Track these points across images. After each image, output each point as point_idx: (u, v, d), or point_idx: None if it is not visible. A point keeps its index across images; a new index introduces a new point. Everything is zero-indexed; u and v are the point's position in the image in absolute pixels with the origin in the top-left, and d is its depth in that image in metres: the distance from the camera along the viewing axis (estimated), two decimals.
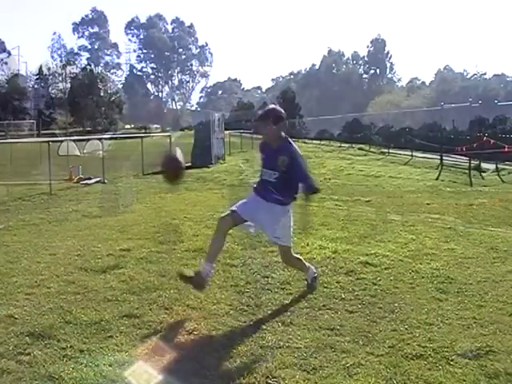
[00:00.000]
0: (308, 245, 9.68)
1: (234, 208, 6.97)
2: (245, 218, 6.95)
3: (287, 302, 6.90)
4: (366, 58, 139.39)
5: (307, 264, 7.55)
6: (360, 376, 4.82)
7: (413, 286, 7.44)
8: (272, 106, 7.28)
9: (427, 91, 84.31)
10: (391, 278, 7.79)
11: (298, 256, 7.58)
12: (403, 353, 5.28)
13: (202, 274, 6.71)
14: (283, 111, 7.03)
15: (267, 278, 7.78)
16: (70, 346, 5.55)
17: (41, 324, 6.13)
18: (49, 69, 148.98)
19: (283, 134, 6.95)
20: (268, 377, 4.83)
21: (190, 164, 26.85)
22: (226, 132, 38.16)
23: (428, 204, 14.35)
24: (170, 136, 31.44)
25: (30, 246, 9.99)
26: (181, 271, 7.08)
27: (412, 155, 33.82)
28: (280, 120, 6.91)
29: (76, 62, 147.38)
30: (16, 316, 6.43)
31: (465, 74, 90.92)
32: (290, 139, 7.01)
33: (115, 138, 43.96)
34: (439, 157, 28.12)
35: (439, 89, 75.87)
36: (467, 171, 23.41)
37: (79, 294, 7.22)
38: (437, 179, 21.35)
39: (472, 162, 24.55)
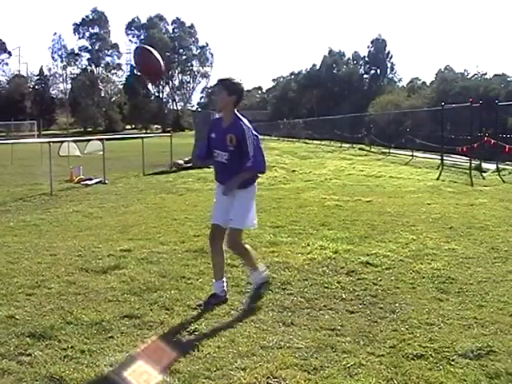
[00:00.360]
0: (309, 245, 9.69)
1: (212, 221, 7.06)
2: (221, 217, 6.93)
3: (288, 302, 6.89)
4: (366, 58, 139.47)
5: (259, 264, 7.31)
6: (361, 376, 4.81)
7: (414, 286, 7.43)
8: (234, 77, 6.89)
9: (428, 91, 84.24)
10: (392, 278, 7.79)
11: (248, 247, 7.25)
12: (404, 353, 5.27)
13: (217, 295, 6.89)
14: (243, 86, 6.83)
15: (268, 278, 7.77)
16: (71, 347, 5.55)
17: (42, 324, 6.13)
18: (49, 69, 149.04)
19: (236, 111, 6.79)
20: (269, 377, 4.82)
21: (191, 164, 26.86)
22: None
23: (429, 204, 14.33)
24: None
25: (31, 247, 10.00)
26: (200, 304, 6.81)
27: (413, 155, 33.75)
28: (236, 92, 6.71)
29: (77, 63, 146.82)
30: (17, 316, 6.44)
31: (465, 73, 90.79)
32: (241, 116, 6.79)
33: (116, 139, 43.91)
34: (440, 157, 28.09)
35: (440, 89, 75.76)
36: (468, 171, 23.39)
37: (80, 295, 7.23)
38: (437, 179, 21.31)
39: (473, 161, 24.52)
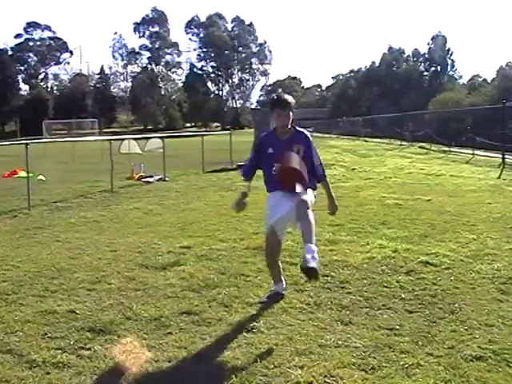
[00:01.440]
0: (368, 244, 9.65)
1: (268, 223, 6.73)
2: (281, 224, 6.63)
3: (346, 301, 6.87)
4: (426, 55, 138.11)
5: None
6: (419, 377, 4.78)
7: (473, 286, 7.34)
8: (281, 93, 7.11)
9: (489, 88, 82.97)
10: (451, 278, 7.70)
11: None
12: (463, 354, 5.21)
13: (277, 291, 6.93)
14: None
15: (327, 276, 7.75)
16: (130, 342, 5.62)
17: (101, 320, 6.23)
18: (110, 68, 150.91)
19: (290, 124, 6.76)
20: (326, 376, 4.82)
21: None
22: None
23: (489, 203, 14.14)
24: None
25: (92, 243, 10.15)
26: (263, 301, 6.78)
27: (473, 154, 33.29)
28: (293, 108, 6.75)
29: (137, 62, 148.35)
30: (77, 311, 6.55)
31: None
32: (296, 126, 6.81)
33: (176, 137, 44.20)
34: (501, 155, 27.69)
35: (501, 86, 74.51)
36: None
37: (139, 291, 7.32)
38: (499, 178, 20.98)
39: None
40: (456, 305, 6.63)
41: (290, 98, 6.72)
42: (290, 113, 6.63)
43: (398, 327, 5.96)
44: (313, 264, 5.77)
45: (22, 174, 20.27)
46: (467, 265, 8.32)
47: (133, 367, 5.05)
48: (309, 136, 6.76)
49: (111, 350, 5.43)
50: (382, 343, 5.51)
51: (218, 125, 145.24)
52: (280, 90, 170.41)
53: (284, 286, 7.04)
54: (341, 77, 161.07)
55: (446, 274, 7.91)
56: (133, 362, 5.15)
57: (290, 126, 6.69)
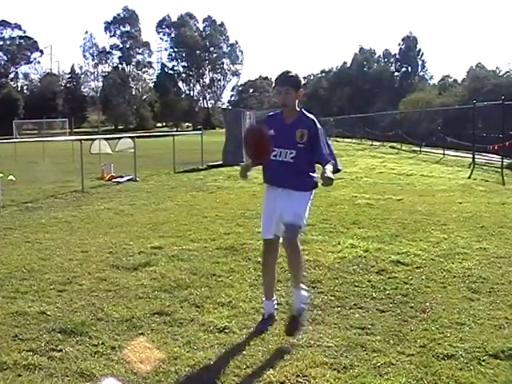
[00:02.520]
0: (339, 243, 9.67)
1: (263, 235, 6.30)
2: (276, 232, 6.13)
3: (318, 300, 6.88)
4: (397, 56, 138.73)
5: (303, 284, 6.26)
6: (391, 375, 4.80)
7: (444, 285, 7.39)
8: (287, 70, 6.21)
9: (459, 89, 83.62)
10: (423, 277, 7.75)
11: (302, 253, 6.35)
12: (434, 353, 5.25)
13: (272, 315, 6.33)
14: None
15: None
16: (102, 343, 5.60)
17: (73, 321, 6.19)
18: (81, 68, 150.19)
19: (298, 107, 6.19)
20: (299, 375, 4.83)
21: (221, 162, 26.93)
22: None
23: (460, 203, 14.24)
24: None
25: (63, 244, 10.09)
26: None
27: (444, 153, 33.53)
28: (301, 85, 6.23)
29: (108, 61, 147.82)
30: (48, 313, 6.50)
31: (497, 71, 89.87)
32: (304, 110, 6.20)
33: (147, 137, 44.10)
34: (471, 155, 27.92)
35: (471, 86, 75.12)
36: (500, 170, 23.23)
37: (111, 292, 7.28)
38: (469, 178, 21.16)
39: (504, 160, 24.34)
40: (427, 304, 6.67)
41: (292, 74, 6.12)
42: (293, 91, 6.04)
43: (369, 326, 5.98)
44: (301, 322, 5.72)
45: None
46: (438, 264, 8.38)
47: (105, 369, 5.02)
48: (317, 123, 6.11)
49: (83, 352, 5.40)
50: (354, 342, 5.52)
51: (190, 125, 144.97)
52: (251, 91, 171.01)
53: (274, 303, 6.47)
54: (312, 77, 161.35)
55: (417, 273, 7.96)
56: (105, 364, 5.13)
57: (297, 108, 6.14)
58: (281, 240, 6.13)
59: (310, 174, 6.05)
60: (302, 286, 6.03)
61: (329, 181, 5.60)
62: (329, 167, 5.76)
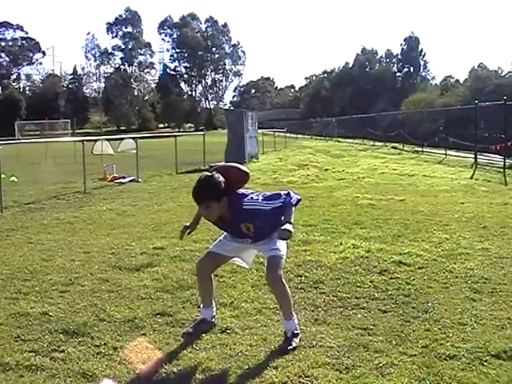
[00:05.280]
0: (341, 244, 9.67)
1: (210, 249, 6.21)
2: (225, 254, 6.09)
3: (320, 301, 6.88)
4: (399, 56, 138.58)
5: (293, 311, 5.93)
6: (393, 376, 4.80)
7: (446, 285, 7.38)
8: (204, 178, 5.60)
9: (461, 89, 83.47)
10: (425, 277, 7.74)
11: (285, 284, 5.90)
12: (436, 353, 5.24)
13: (206, 320, 6.13)
14: (219, 180, 5.52)
15: (300, 276, 7.77)
16: (104, 344, 5.61)
17: (75, 321, 6.20)
18: (83, 69, 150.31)
19: (226, 200, 5.57)
20: (301, 376, 4.83)
21: (223, 163, 26.94)
22: (260, 131, 38.09)
23: (462, 203, 14.23)
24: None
25: (65, 245, 10.10)
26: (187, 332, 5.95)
27: (446, 154, 33.49)
28: (222, 193, 5.51)
29: (110, 62, 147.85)
30: (50, 313, 6.51)
31: (499, 71, 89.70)
32: (234, 199, 5.61)
33: (149, 137, 44.10)
34: (473, 155, 27.89)
35: (473, 87, 74.96)
36: (502, 170, 23.19)
37: (113, 292, 7.29)
38: (471, 178, 21.13)
39: (507, 160, 24.30)
40: (429, 304, 6.67)
41: (204, 188, 5.53)
42: (213, 202, 5.50)
43: (371, 327, 5.98)
44: (294, 342, 5.57)
45: None
46: (440, 264, 8.37)
47: (107, 369, 5.03)
48: (251, 207, 5.59)
49: (85, 352, 5.41)
50: (356, 343, 5.52)
51: (192, 125, 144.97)
52: (253, 91, 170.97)
53: (213, 311, 6.25)
54: (314, 77, 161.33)
55: (419, 273, 7.95)
56: (107, 364, 5.13)
57: (229, 202, 5.58)
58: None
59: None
60: (292, 315, 5.81)
61: (286, 233, 5.32)
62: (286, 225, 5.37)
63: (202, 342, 5.61)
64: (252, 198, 5.68)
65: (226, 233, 6.14)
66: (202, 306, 6.27)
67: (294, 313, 5.87)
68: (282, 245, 5.82)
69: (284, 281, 5.81)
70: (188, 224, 6.44)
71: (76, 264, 8.74)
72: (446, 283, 7.47)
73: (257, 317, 6.34)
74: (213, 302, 6.26)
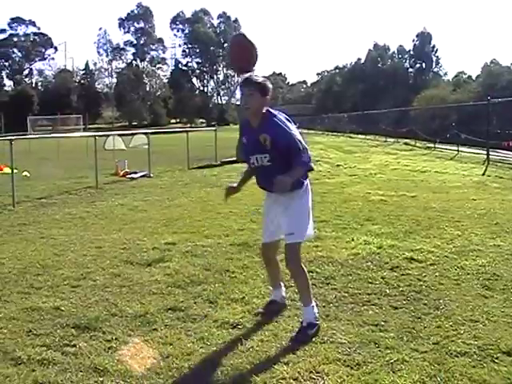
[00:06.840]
0: (353, 240, 9.66)
1: (263, 240, 6.36)
2: (270, 236, 6.22)
3: (331, 296, 6.88)
4: (411, 52, 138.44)
5: (312, 298, 6.10)
6: (404, 372, 4.79)
7: (458, 282, 7.36)
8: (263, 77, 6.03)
9: (474, 85, 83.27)
10: (436, 274, 7.72)
11: (305, 270, 6.16)
12: (448, 350, 5.23)
13: (275, 301, 6.50)
14: (270, 86, 5.95)
15: (312, 272, 7.74)
16: (115, 339, 5.62)
17: (86, 316, 6.22)
18: (95, 64, 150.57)
19: (265, 109, 5.85)
20: (312, 371, 4.83)
21: (235, 158, 26.92)
22: None
23: (474, 200, 14.18)
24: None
25: (77, 239, 10.12)
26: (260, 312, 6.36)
27: (458, 150, 33.36)
28: (268, 91, 5.85)
29: (122, 58, 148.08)
30: (62, 308, 6.53)
31: None
32: (271, 111, 5.87)
33: (161, 133, 44.12)
34: (486, 152, 27.78)
35: (486, 83, 74.86)
36: None
37: (125, 287, 7.30)
38: (483, 174, 21.04)
39: None
40: (441, 301, 6.65)
41: (256, 78, 5.92)
42: (256, 92, 5.74)
43: (383, 323, 5.97)
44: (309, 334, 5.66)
45: (7, 170, 20.24)
46: (452, 261, 8.35)
47: (118, 364, 5.04)
48: (278, 121, 5.78)
49: (96, 347, 5.42)
50: (367, 339, 5.51)
51: (203, 121, 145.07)
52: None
53: (282, 293, 6.60)
54: (326, 73, 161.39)
55: (430, 270, 7.93)
56: (118, 359, 5.15)
57: (263, 111, 5.82)
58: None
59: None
60: (311, 303, 5.96)
61: (280, 184, 5.42)
62: (289, 174, 5.52)
63: (213, 338, 5.62)
64: (286, 123, 5.84)
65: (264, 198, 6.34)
66: (271, 288, 6.63)
67: (313, 300, 6.00)
68: (299, 220, 5.99)
69: (303, 266, 6.07)
70: (235, 185, 6.50)
71: (88, 259, 8.76)
72: (457, 280, 7.45)
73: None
74: (281, 283, 6.59)
